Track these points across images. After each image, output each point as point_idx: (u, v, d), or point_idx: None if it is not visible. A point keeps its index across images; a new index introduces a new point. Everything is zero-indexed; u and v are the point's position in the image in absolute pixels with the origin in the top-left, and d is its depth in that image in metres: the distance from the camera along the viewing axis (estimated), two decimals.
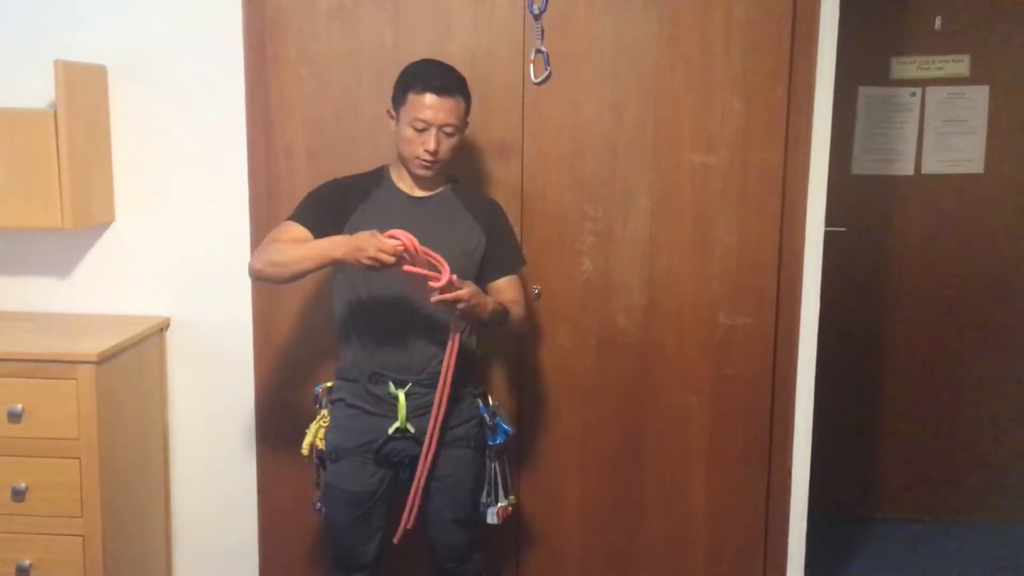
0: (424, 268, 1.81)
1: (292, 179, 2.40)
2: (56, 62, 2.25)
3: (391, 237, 1.78)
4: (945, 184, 3.22)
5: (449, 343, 1.94)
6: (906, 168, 3.24)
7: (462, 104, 1.96)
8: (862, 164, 3.25)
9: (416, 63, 2.00)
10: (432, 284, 1.80)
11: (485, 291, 1.99)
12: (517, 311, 2.06)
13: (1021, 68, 3.14)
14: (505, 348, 2.46)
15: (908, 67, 3.18)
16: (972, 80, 3.16)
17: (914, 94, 3.20)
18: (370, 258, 1.77)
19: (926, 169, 3.23)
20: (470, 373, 2.11)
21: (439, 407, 1.96)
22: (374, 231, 1.81)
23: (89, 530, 2.24)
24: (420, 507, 2.08)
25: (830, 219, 2.40)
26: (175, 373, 2.58)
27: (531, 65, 2.35)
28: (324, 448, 2.06)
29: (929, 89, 3.19)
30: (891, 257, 3.28)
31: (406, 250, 1.78)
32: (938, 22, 3.13)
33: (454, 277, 1.83)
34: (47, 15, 2.45)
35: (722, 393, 2.47)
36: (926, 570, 3.02)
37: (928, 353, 3.30)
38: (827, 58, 2.31)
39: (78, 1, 2.44)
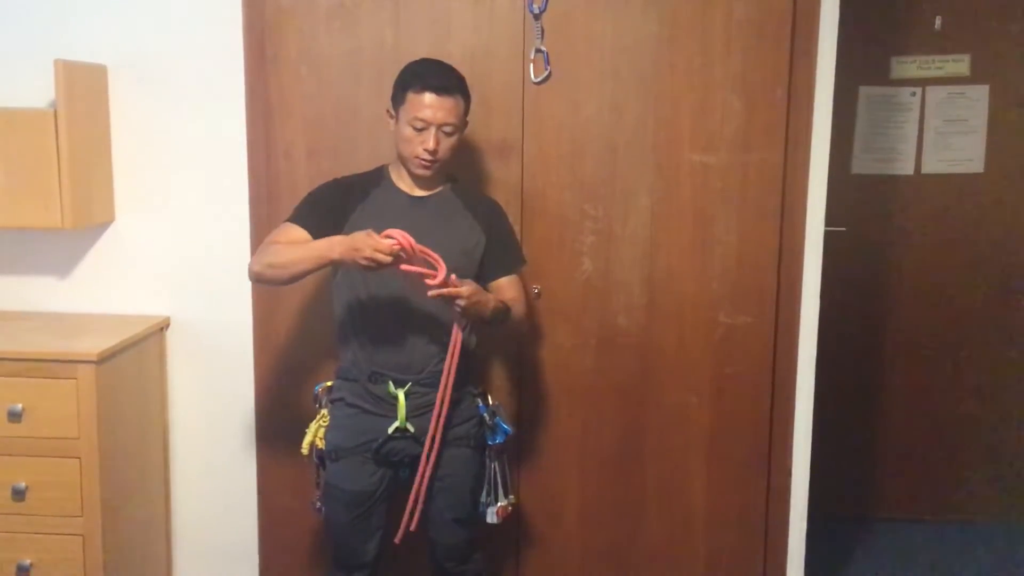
0: (422, 266, 1.82)
1: (292, 179, 2.40)
2: (56, 62, 2.26)
3: (387, 237, 1.78)
4: (945, 184, 3.22)
5: (451, 342, 1.94)
6: (906, 168, 3.24)
7: (461, 103, 1.96)
8: (862, 163, 3.25)
9: (415, 62, 2.00)
10: (429, 282, 1.80)
11: (486, 290, 1.99)
12: (518, 310, 2.06)
13: (1021, 68, 3.14)
14: (505, 347, 2.46)
15: (908, 67, 3.18)
16: (972, 80, 3.16)
17: (914, 94, 3.20)
18: (367, 258, 1.78)
19: (926, 169, 3.23)
20: (470, 372, 2.11)
21: (441, 407, 1.96)
22: (370, 231, 1.81)
23: (89, 530, 2.24)
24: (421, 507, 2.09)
25: (830, 219, 2.40)
26: (175, 373, 2.58)
27: (531, 65, 2.35)
28: (324, 447, 2.06)
29: (929, 89, 3.19)
30: (891, 257, 3.28)
31: (402, 249, 1.79)
32: (938, 22, 3.13)
33: (453, 276, 1.83)
34: (47, 14, 2.45)
35: (722, 393, 2.47)
36: (926, 570, 3.02)
37: (928, 353, 3.30)
38: (827, 58, 2.31)
39: (78, 1, 2.44)
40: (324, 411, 2.11)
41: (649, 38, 2.34)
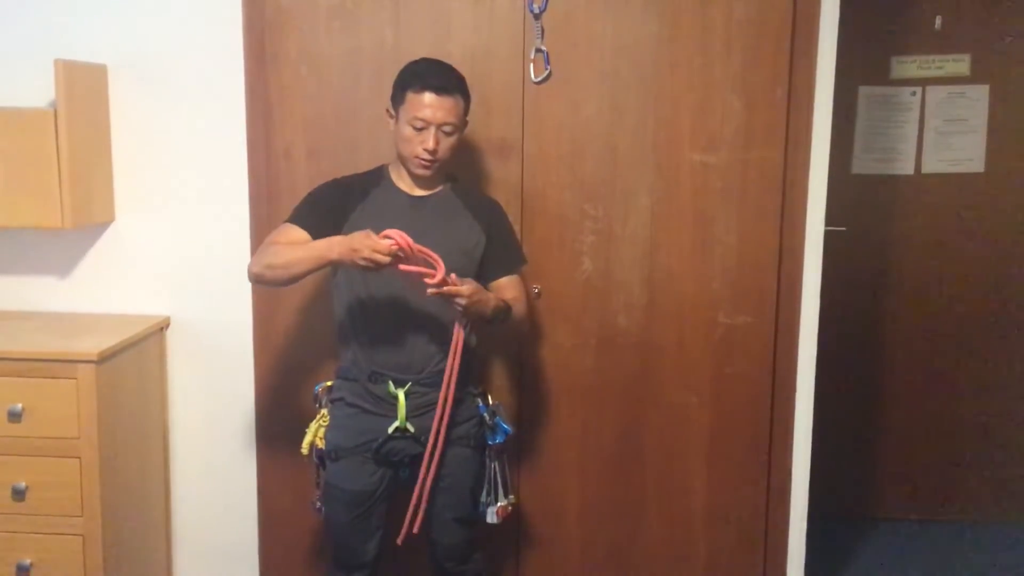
0: (420, 266, 1.82)
1: (292, 178, 2.40)
2: (56, 61, 2.26)
3: (386, 237, 1.78)
4: (945, 183, 3.22)
5: (453, 341, 1.94)
6: (906, 167, 3.24)
7: (461, 103, 1.96)
8: (862, 163, 3.25)
9: (415, 62, 2.00)
10: (428, 281, 1.80)
11: (486, 290, 1.99)
12: (519, 309, 2.07)
13: (1021, 67, 3.14)
14: (505, 347, 2.46)
15: (908, 66, 3.18)
16: (972, 79, 3.16)
17: (914, 93, 3.20)
18: (365, 259, 1.78)
19: (926, 168, 3.23)
20: (470, 372, 2.11)
21: (444, 408, 1.96)
22: (369, 231, 1.81)
23: (89, 529, 2.24)
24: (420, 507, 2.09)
25: (830, 218, 2.40)
26: (175, 372, 2.58)
27: (531, 64, 2.35)
28: (324, 447, 2.06)
29: (929, 88, 3.19)
30: (891, 256, 3.28)
31: (401, 249, 1.79)
32: (938, 21, 3.13)
33: (453, 275, 1.83)
34: (47, 14, 2.45)
35: (722, 393, 2.47)
36: (926, 570, 3.02)
37: (928, 352, 3.30)
38: (827, 57, 2.31)
39: (78, 1, 2.44)
40: (324, 411, 2.11)
41: (649, 38, 2.34)
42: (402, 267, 1.81)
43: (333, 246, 1.85)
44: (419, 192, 2.04)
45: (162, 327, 2.53)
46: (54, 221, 2.31)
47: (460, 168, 2.20)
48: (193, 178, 2.50)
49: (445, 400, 1.95)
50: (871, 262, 3.28)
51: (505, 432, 2.10)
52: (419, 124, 1.92)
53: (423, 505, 2.00)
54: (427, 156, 1.93)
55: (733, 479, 2.50)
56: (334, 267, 2.01)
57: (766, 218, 2.39)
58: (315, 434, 2.08)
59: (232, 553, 2.61)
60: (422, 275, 1.81)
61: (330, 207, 2.00)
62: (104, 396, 2.23)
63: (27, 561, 2.25)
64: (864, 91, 3.21)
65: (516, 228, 2.27)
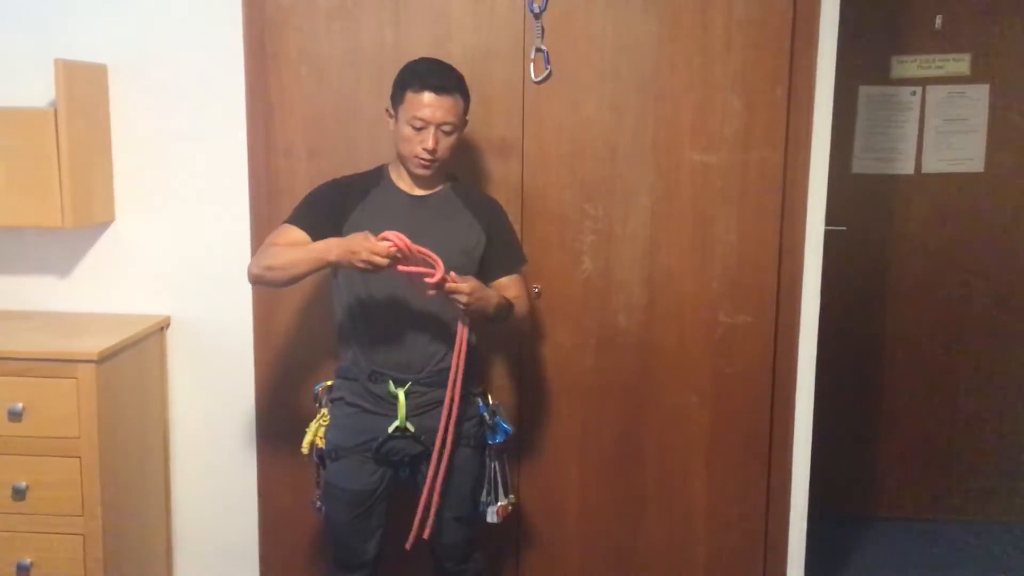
0: (419, 266, 1.82)
1: (292, 178, 2.40)
2: (56, 61, 2.26)
3: (383, 239, 1.78)
4: (945, 183, 3.22)
5: (457, 339, 1.94)
6: (906, 167, 3.24)
7: (460, 103, 1.96)
8: (862, 163, 3.25)
9: (414, 61, 2.00)
10: (427, 280, 1.80)
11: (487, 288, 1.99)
12: (520, 308, 2.06)
13: (1021, 67, 3.14)
14: (505, 347, 2.46)
15: (908, 66, 3.18)
16: (972, 79, 3.16)
17: (914, 93, 3.20)
18: (364, 261, 1.78)
19: (926, 168, 3.23)
20: (471, 371, 2.10)
21: (450, 408, 1.95)
22: (367, 233, 1.81)
23: (89, 529, 2.24)
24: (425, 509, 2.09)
25: (830, 218, 2.40)
26: (175, 372, 2.58)
27: (531, 64, 2.35)
28: (324, 447, 2.06)
29: (929, 88, 3.19)
30: (891, 256, 3.28)
31: (399, 250, 1.79)
32: (938, 21, 3.13)
33: (452, 273, 1.84)
34: (48, 14, 2.45)
35: (722, 392, 2.47)
36: (926, 570, 3.01)
37: (928, 352, 3.30)
38: (827, 57, 2.31)
39: (78, 0, 2.44)
40: (324, 410, 2.11)
41: (649, 37, 2.34)
42: (401, 268, 1.81)
43: (332, 248, 1.85)
44: (419, 192, 2.04)
45: (162, 327, 2.53)
46: (54, 221, 2.31)
47: (460, 168, 2.20)
48: (193, 178, 2.50)
49: (452, 400, 1.95)
50: (871, 262, 3.28)
51: (505, 432, 2.10)
52: (418, 124, 1.92)
53: (433, 509, 2.00)
54: (426, 156, 1.93)
55: (733, 479, 2.50)
56: (334, 267, 2.01)
57: (766, 218, 2.39)
58: (315, 433, 2.08)
59: (232, 553, 2.61)
60: (421, 275, 1.81)
61: (330, 207, 2.00)
62: (104, 396, 2.23)
63: (27, 561, 2.25)
64: (864, 91, 3.21)
65: (516, 228, 2.27)
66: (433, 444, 2.01)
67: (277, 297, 2.42)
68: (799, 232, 2.39)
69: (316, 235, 1.93)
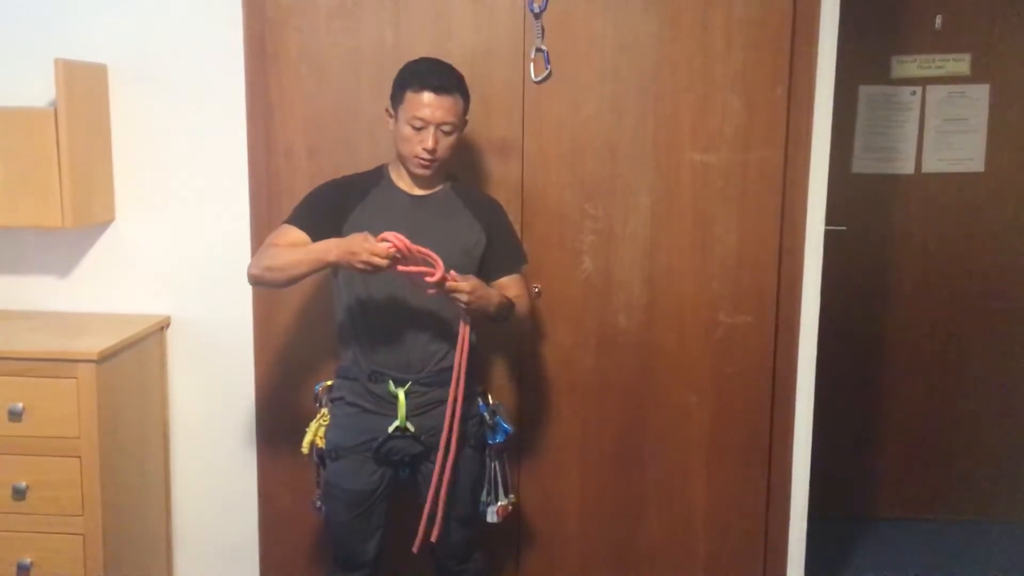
0: (419, 266, 1.82)
1: (292, 178, 2.40)
2: (56, 61, 2.26)
3: (383, 240, 1.78)
4: (945, 183, 3.22)
5: (460, 338, 1.94)
6: (906, 167, 3.24)
7: (460, 102, 1.96)
8: (862, 163, 3.25)
9: (414, 61, 2.00)
10: (427, 279, 1.80)
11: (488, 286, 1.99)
12: (521, 307, 2.07)
13: (1021, 67, 3.14)
14: (505, 346, 2.46)
15: (908, 66, 3.18)
16: (972, 79, 3.16)
17: (914, 93, 3.20)
18: (363, 262, 1.78)
19: (926, 168, 3.23)
20: (471, 371, 2.10)
21: (454, 409, 1.95)
22: (366, 234, 1.81)
23: (90, 529, 2.24)
24: (420, 505, 2.09)
25: (830, 218, 2.40)
26: (175, 372, 2.58)
27: (531, 64, 2.35)
28: (324, 446, 2.06)
29: (929, 88, 3.19)
30: (891, 256, 3.28)
31: (398, 251, 1.79)
32: (938, 21, 3.13)
33: (452, 272, 1.84)
34: (48, 14, 2.45)
35: (722, 392, 2.47)
36: (926, 569, 3.01)
37: (928, 352, 3.30)
38: (827, 57, 2.31)
39: (78, 0, 2.44)
40: (324, 410, 2.11)
41: (649, 37, 2.34)
42: (400, 268, 1.81)
43: (331, 249, 1.85)
44: (419, 191, 2.04)
45: (162, 326, 2.53)
46: (54, 221, 2.31)
47: (460, 167, 2.20)
48: (193, 178, 2.50)
49: (455, 400, 1.95)
50: (871, 261, 3.28)
51: (505, 431, 2.10)
52: (418, 123, 1.92)
53: (440, 511, 1.99)
54: (426, 156, 1.93)
55: (733, 479, 2.50)
56: (334, 268, 2.01)
57: (766, 217, 2.39)
58: (315, 433, 2.08)
59: (232, 553, 2.61)
60: (422, 274, 1.81)
61: (329, 208, 2.00)
62: (104, 396, 2.23)
63: (27, 560, 2.25)
64: (864, 90, 3.21)
65: (516, 227, 2.27)
66: (433, 444, 2.01)
67: (277, 297, 2.42)
68: (799, 232, 2.39)
69: (316, 236, 1.93)
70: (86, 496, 2.23)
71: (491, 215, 2.10)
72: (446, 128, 1.94)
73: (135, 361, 2.41)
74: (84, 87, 2.37)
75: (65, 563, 2.25)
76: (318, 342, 2.41)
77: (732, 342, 2.44)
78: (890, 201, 3.26)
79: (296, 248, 1.92)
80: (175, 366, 2.57)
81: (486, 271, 2.05)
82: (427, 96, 1.91)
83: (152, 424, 2.53)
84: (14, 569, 2.25)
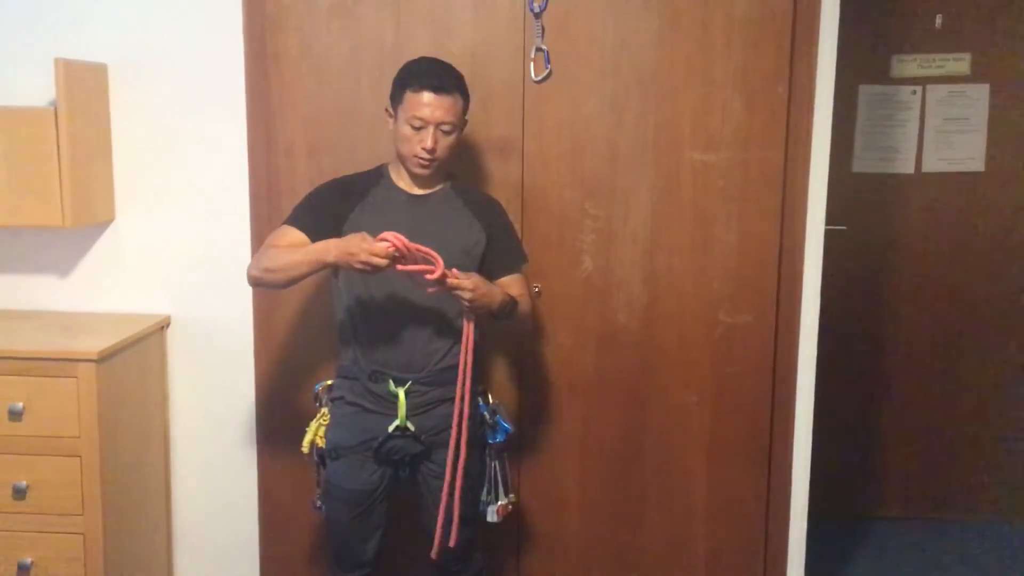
0: (419, 264, 1.82)
1: (293, 177, 2.40)
2: (57, 60, 2.25)
3: (381, 240, 1.78)
4: (946, 182, 3.22)
5: (463, 337, 1.94)
6: (907, 166, 3.24)
7: (460, 102, 1.96)
8: (862, 162, 3.25)
9: (414, 61, 2.00)
10: (428, 277, 1.80)
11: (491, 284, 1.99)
12: (522, 306, 2.07)
13: (1022, 67, 3.14)
14: (505, 346, 2.46)
15: (909, 65, 3.18)
16: (973, 78, 3.16)
17: (915, 92, 3.20)
18: (362, 262, 1.78)
19: (927, 167, 3.23)
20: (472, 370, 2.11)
21: (461, 410, 1.95)
22: (364, 234, 1.81)
23: (90, 528, 2.24)
24: (421, 505, 2.09)
25: (830, 217, 2.40)
26: (176, 371, 2.58)
27: (531, 63, 2.35)
28: (324, 446, 2.06)
29: (930, 87, 3.19)
30: (891, 255, 3.28)
31: (397, 250, 1.79)
32: (939, 20, 3.13)
33: (454, 270, 1.84)
34: (48, 13, 2.45)
35: (722, 391, 2.47)
36: (926, 569, 3.01)
37: (928, 351, 3.30)
38: (828, 56, 2.31)
39: (78, 0, 2.44)
40: (324, 410, 2.11)
41: (650, 36, 2.34)
42: (400, 267, 1.81)
43: (330, 249, 1.85)
44: (419, 191, 2.04)
45: (162, 326, 2.53)
46: (54, 220, 2.31)
47: (461, 167, 2.20)
48: (193, 177, 2.50)
49: (463, 399, 1.94)
50: (871, 261, 3.28)
51: (505, 431, 2.10)
52: (417, 123, 1.92)
53: (456, 515, 1.99)
54: (425, 155, 1.93)
55: (733, 478, 2.50)
56: (334, 268, 2.01)
57: (766, 217, 2.39)
58: (315, 433, 2.08)
59: (232, 552, 2.61)
60: (422, 272, 1.81)
61: (329, 208, 2.00)
62: (105, 395, 2.23)
63: (28, 560, 2.25)
64: (864, 90, 3.21)
65: (516, 227, 2.27)
66: (433, 443, 2.02)
67: (277, 297, 2.42)
68: (799, 231, 2.39)
69: (315, 236, 1.93)
70: (86, 496, 2.23)
71: (491, 214, 2.10)
72: (445, 128, 1.93)
73: (135, 361, 2.41)
74: (84, 87, 2.37)
75: (65, 563, 2.25)
76: (318, 342, 2.41)
77: (732, 342, 2.44)
78: (890, 201, 3.26)
79: (295, 249, 1.91)
80: (175, 366, 2.57)
81: (487, 270, 2.05)
82: (426, 96, 1.91)
83: (152, 424, 2.53)
84: (14, 569, 2.25)
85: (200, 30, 2.43)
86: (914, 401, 3.33)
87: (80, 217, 2.35)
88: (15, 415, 2.20)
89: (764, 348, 2.45)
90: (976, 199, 3.22)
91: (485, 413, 2.11)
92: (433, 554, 2.02)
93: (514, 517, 2.39)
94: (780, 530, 2.51)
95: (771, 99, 2.34)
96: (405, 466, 2.06)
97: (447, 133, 1.94)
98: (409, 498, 2.12)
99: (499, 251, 2.08)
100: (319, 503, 2.14)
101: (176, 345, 2.56)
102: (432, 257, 1.82)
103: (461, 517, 2.09)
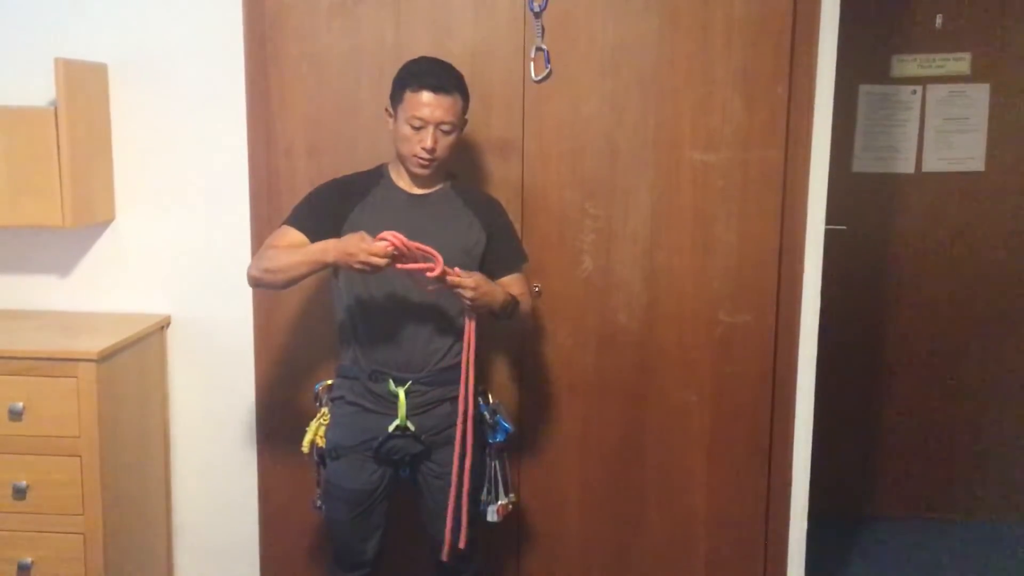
0: (418, 262, 1.82)
1: (292, 176, 2.40)
2: (57, 60, 2.25)
3: (381, 239, 1.78)
4: (946, 182, 3.22)
5: (465, 335, 1.94)
6: (907, 166, 3.24)
7: (459, 102, 1.96)
8: (863, 162, 3.25)
9: (413, 61, 2.00)
10: (428, 275, 1.80)
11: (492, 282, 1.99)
12: (523, 306, 2.06)
13: (1022, 66, 3.14)
14: (506, 345, 2.46)
15: (909, 65, 3.18)
16: (973, 78, 3.16)
17: (915, 92, 3.20)
18: (360, 262, 1.78)
19: (927, 167, 3.23)
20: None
21: (465, 408, 1.95)
22: (363, 234, 1.81)
23: (90, 528, 2.24)
24: (421, 505, 2.09)
25: (830, 217, 2.40)
26: (176, 371, 2.58)
27: (531, 63, 2.35)
28: (324, 446, 2.06)
29: (930, 87, 3.19)
30: (891, 255, 3.28)
31: (396, 249, 1.79)
32: (939, 20, 3.13)
33: (457, 268, 1.84)
34: (48, 13, 2.45)
35: (722, 391, 2.46)
36: (926, 569, 3.01)
37: (928, 351, 3.30)
38: (828, 56, 2.31)
39: (78, 0, 2.44)
40: (324, 409, 2.11)
41: (649, 36, 2.34)
42: (399, 266, 1.81)
43: (329, 250, 1.85)
44: (418, 190, 2.04)
45: (162, 326, 2.53)
46: (55, 220, 2.31)
47: (461, 167, 2.20)
48: (194, 176, 2.50)
49: (466, 398, 1.95)
50: (871, 261, 3.28)
51: (505, 431, 2.10)
52: (417, 123, 1.92)
53: (464, 516, 1.99)
54: (425, 155, 1.93)
55: (733, 478, 2.50)
56: (334, 268, 2.01)
57: (766, 216, 2.39)
58: (315, 432, 2.08)
59: (232, 552, 2.61)
60: (422, 271, 1.81)
61: (328, 208, 2.00)
62: (105, 395, 2.23)
63: (28, 560, 2.25)
64: (864, 89, 3.21)
65: (516, 227, 2.27)
66: (433, 443, 2.02)
67: (277, 297, 2.42)
68: (799, 231, 2.39)
69: (314, 237, 1.93)
70: (86, 495, 2.23)
71: (491, 214, 2.10)
72: (445, 127, 1.93)
73: (135, 360, 2.41)
74: (84, 86, 2.37)
75: (65, 562, 2.25)
76: (318, 342, 2.41)
77: (732, 341, 2.44)
78: (890, 200, 3.26)
79: (295, 250, 1.92)
80: (175, 366, 2.57)
81: (487, 270, 2.05)
82: (426, 96, 1.91)
83: (152, 424, 2.53)
84: (14, 568, 2.25)
85: (200, 30, 2.43)
86: (914, 401, 3.33)
87: (80, 217, 2.35)
88: (15, 415, 2.20)
89: (764, 348, 2.45)
90: (977, 199, 3.21)
91: (485, 413, 2.11)
92: (444, 556, 2.02)
93: (514, 517, 2.39)
94: (780, 530, 2.51)
95: (771, 99, 2.34)
96: (405, 466, 2.06)
97: (447, 133, 1.94)
98: (409, 498, 2.12)
99: (499, 250, 2.08)
100: (319, 503, 2.14)
101: (176, 345, 2.56)
102: (431, 255, 1.82)
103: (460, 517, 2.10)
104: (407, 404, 1.99)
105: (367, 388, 2.02)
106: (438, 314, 1.99)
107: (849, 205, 3.05)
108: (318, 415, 2.11)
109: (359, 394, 2.03)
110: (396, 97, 1.96)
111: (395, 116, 1.97)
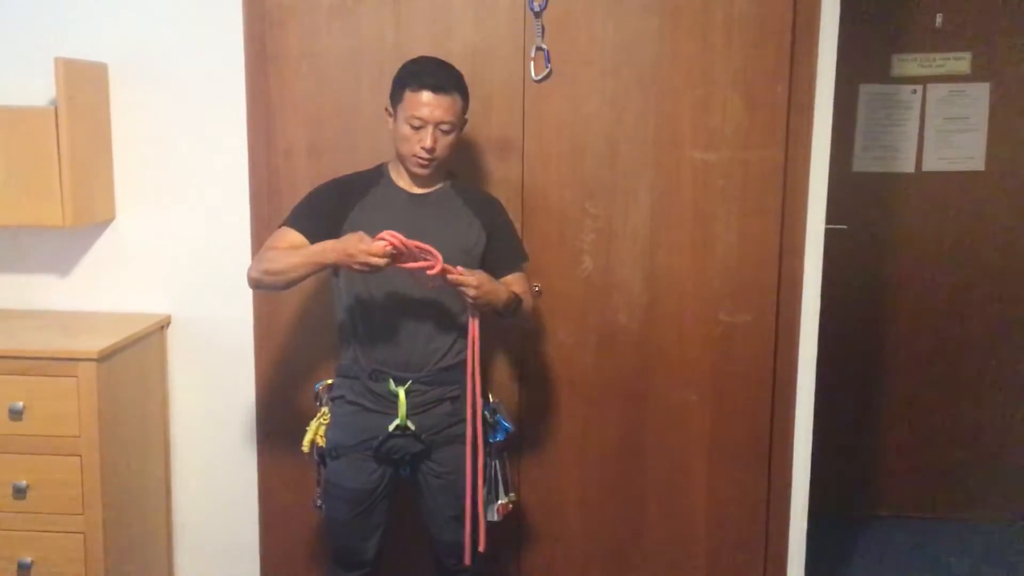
0: (417, 261, 1.82)
1: (293, 176, 2.40)
2: (57, 60, 2.26)
3: (380, 239, 1.78)
4: (946, 181, 3.22)
5: (469, 334, 1.94)
6: (907, 165, 3.24)
7: (459, 101, 1.96)
8: (863, 161, 3.25)
9: (413, 60, 2.00)
10: (428, 272, 1.81)
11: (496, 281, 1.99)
12: (525, 305, 2.07)
13: (1022, 66, 3.13)
14: (506, 345, 2.46)
15: (909, 64, 3.18)
16: (973, 77, 3.16)
17: (915, 91, 3.20)
18: (360, 263, 1.78)
19: (927, 166, 3.23)
20: (473, 369, 2.10)
21: (473, 407, 1.95)
22: (362, 234, 1.81)
23: (90, 527, 2.24)
24: (421, 504, 2.09)
25: (831, 216, 2.40)
26: (176, 371, 2.58)
27: (532, 62, 2.35)
28: (324, 445, 2.06)
29: (930, 86, 3.19)
30: (892, 255, 3.28)
31: (395, 248, 1.79)
32: (939, 19, 3.13)
33: (460, 267, 1.85)
34: (48, 13, 2.45)
35: (722, 391, 2.46)
36: (926, 569, 3.01)
37: (928, 351, 3.30)
38: (828, 55, 2.30)
39: (78, 0, 2.44)
40: (325, 409, 2.11)
41: (650, 35, 2.34)
42: (399, 265, 1.81)
43: (328, 251, 1.85)
44: (418, 190, 2.04)
45: (163, 325, 2.53)
46: (55, 219, 2.31)
47: (461, 166, 2.20)
48: (194, 176, 2.50)
49: (473, 396, 1.95)
50: (872, 260, 3.28)
51: (506, 430, 2.10)
52: (417, 123, 1.92)
53: (481, 518, 2.00)
54: (425, 155, 1.93)
55: (733, 478, 2.50)
56: (334, 267, 2.01)
57: (766, 216, 2.39)
58: (316, 432, 2.08)
59: (232, 551, 2.61)
60: (422, 269, 1.81)
61: (328, 209, 2.00)
62: (105, 394, 2.23)
63: (28, 559, 2.25)
64: (865, 89, 3.21)
65: (516, 226, 2.27)
66: (434, 442, 2.02)
67: (277, 297, 2.42)
68: (799, 231, 2.39)
69: (314, 238, 1.93)
70: (86, 495, 2.23)
71: (491, 213, 2.10)
72: (445, 127, 1.93)
73: (135, 360, 2.41)
74: (84, 86, 2.37)
75: (65, 562, 2.25)
76: (318, 341, 2.41)
77: (732, 341, 2.44)
78: (891, 200, 3.26)
79: (294, 251, 1.92)
80: (175, 365, 2.57)
81: (487, 269, 2.04)
82: (426, 95, 1.91)
83: (152, 423, 2.53)
84: (15, 568, 2.26)
85: (200, 30, 2.44)
86: (914, 401, 3.33)
87: (80, 216, 2.35)
88: (15, 415, 2.20)
89: (764, 348, 2.45)
90: (977, 198, 3.21)
91: (485, 412, 2.11)
92: (466, 560, 2.03)
93: (514, 516, 2.38)
94: (780, 530, 2.51)
95: (771, 99, 2.34)
96: (405, 465, 2.06)
97: (446, 132, 1.94)
98: (409, 498, 2.12)
99: (499, 250, 2.08)
100: (319, 502, 2.14)
101: (176, 345, 2.56)
102: (431, 253, 1.82)
103: (460, 516, 2.09)
104: (407, 403, 1.99)
105: (367, 387, 2.02)
106: (438, 313, 1.99)
107: (849, 205, 3.05)
108: (318, 415, 2.11)
109: (359, 393, 2.03)
110: (396, 97, 1.96)
111: (395, 116, 1.97)
